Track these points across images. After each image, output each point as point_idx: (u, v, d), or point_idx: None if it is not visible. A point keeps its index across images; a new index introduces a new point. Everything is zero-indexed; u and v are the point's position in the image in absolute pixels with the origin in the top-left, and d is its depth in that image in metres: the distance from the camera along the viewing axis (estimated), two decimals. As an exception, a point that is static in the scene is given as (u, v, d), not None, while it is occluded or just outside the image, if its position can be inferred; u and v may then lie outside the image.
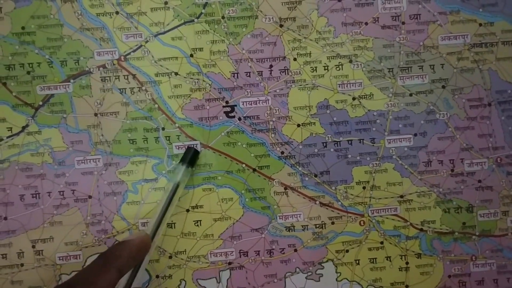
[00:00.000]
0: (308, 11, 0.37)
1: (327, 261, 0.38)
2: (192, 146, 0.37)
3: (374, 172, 0.38)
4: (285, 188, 0.37)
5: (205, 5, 0.37)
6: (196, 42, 0.37)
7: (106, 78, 0.37)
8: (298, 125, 0.37)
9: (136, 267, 0.33)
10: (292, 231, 0.37)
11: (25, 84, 0.36)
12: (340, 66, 0.37)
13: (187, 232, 0.37)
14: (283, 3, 0.37)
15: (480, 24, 0.38)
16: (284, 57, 0.37)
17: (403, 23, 0.37)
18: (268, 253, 0.37)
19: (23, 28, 0.36)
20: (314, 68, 0.37)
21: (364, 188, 0.38)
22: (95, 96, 0.37)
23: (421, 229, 0.38)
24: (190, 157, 0.36)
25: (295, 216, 0.37)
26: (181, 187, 0.36)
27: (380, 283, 0.38)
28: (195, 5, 0.37)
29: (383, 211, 0.38)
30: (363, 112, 0.38)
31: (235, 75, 0.37)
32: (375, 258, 0.38)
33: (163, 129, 0.37)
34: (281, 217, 0.37)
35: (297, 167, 0.37)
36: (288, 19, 0.37)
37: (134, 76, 0.37)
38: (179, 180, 0.35)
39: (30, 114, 0.36)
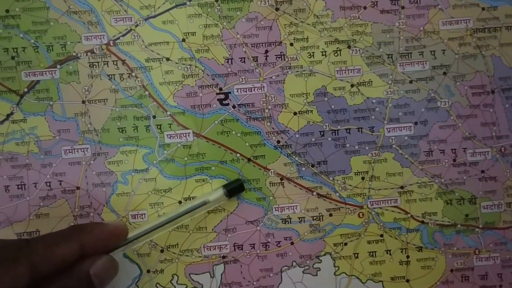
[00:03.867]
0: (304, -5, 0.36)
1: (324, 255, 0.36)
2: (241, 180, 0.35)
3: (373, 162, 0.36)
4: (281, 179, 0.36)
5: (197, -12, 0.35)
6: (189, 26, 0.35)
7: (94, 63, 0.35)
8: (295, 113, 0.36)
9: None
10: (288, 223, 0.36)
11: (9, 69, 0.35)
12: (338, 52, 0.36)
13: (180, 225, 0.36)
14: (279, -14, 0.36)
15: (483, 8, 0.36)
16: (280, 42, 0.36)
17: (403, 7, 0.36)
18: (264, 246, 0.36)
19: (7, 11, 0.35)
20: (312, 54, 0.36)
21: (363, 178, 0.36)
22: (82, 82, 0.35)
23: (422, 222, 0.36)
24: (233, 187, 0.35)
25: (292, 207, 0.36)
26: (206, 207, 0.34)
27: (380, 278, 0.36)
28: (187, -12, 0.35)
29: (382, 203, 0.36)
30: (362, 99, 0.36)
31: (229, 60, 0.36)
32: (375, 252, 0.36)
33: (154, 117, 0.35)
34: (277, 209, 0.36)
35: (294, 156, 0.36)
36: (285, 2, 0.36)
37: (123, 61, 0.35)
38: (210, 199, 0.34)
39: (14, 102, 0.35)
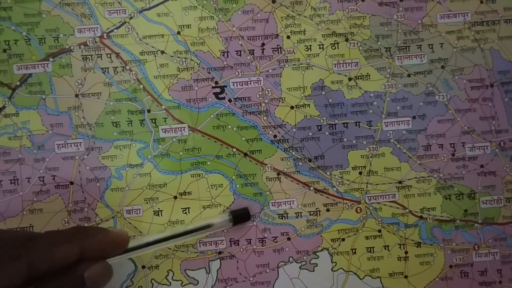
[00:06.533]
0: (301, -13, 0.35)
1: (322, 250, 0.36)
2: (248, 209, 0.35)
3: (371, 157, 0.36)
4: (278, 174, 0.36)
5: (193, -20, 0.35)
6: (184, 19, 0.35)
7: (87, 56, 0.35)
8: (292, 107, 0.36)
9: None
10: (285, 218, 0.36)
11: (1, 63, 0.34)
12: (336, 45, 0.36)
13: (175, 220, 0.35)
14: (275, -21, 0.35)
15: (481, 1, 0.36)
16: (277, 35, 0.35)
17: (401, 0, 0.36)
18: (260, 241, 0.36)
19: (-1, 3, 0.34)
20: (309, 47, 0.36)
21: (360, 173, 0.36)
22: (76, 76, 0.35)
23: (421, 217, 0.36)
24: (239, 214, 0.35)
25: (288, 203, 0.36)
26: (210, 229, 0.34)
27: (378, 274, 0.36)
28: (183, -20, 0.35)
29: (380, 198, 0.36)
30: (360, 93, 0.36)
31: (225, 54, 0.35)
32: (373, 247, 0.36)
33: (148, 111, 0.35)
34: (273, 204, 0.36)
35: (291, 151, 0.36)
36: (281, -6, 0.35)
37: (117, 54, 0.35)
38: (214, 223, 0.34)
39: (6, 95, 0.34)
